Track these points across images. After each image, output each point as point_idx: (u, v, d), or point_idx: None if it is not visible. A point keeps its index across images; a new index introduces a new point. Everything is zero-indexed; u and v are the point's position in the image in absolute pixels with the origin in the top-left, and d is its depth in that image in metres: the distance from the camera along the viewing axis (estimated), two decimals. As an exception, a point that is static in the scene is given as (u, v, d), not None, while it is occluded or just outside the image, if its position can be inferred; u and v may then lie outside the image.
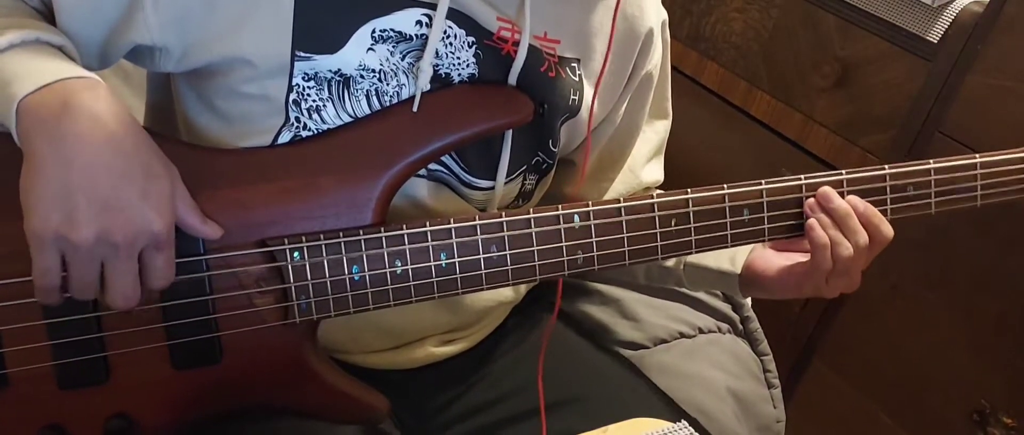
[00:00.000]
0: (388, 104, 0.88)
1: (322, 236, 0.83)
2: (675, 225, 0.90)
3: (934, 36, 1.43)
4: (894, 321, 1.59)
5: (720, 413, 1.17)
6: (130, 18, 0.82)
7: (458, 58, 0.89)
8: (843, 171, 0.93)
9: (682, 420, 0.93)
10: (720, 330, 1.30)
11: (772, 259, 0.99)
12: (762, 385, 1.28)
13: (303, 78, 0.85)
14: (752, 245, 1.01)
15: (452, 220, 0.85)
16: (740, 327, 1.33)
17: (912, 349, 1.58)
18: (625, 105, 1.05)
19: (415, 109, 0.87)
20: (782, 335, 1.60)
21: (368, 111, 0.87)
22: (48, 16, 0.83)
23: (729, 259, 1.02)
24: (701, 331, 1.28)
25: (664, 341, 1.24)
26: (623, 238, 0.89)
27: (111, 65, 0.88)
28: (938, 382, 1.55)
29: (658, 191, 1.10)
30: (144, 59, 0.87)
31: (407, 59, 0.87)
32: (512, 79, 0.90)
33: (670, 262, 1.08)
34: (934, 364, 1.55)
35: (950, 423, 1.54)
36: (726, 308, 1.33)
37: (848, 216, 0.90)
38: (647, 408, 1.00)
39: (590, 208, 0.88)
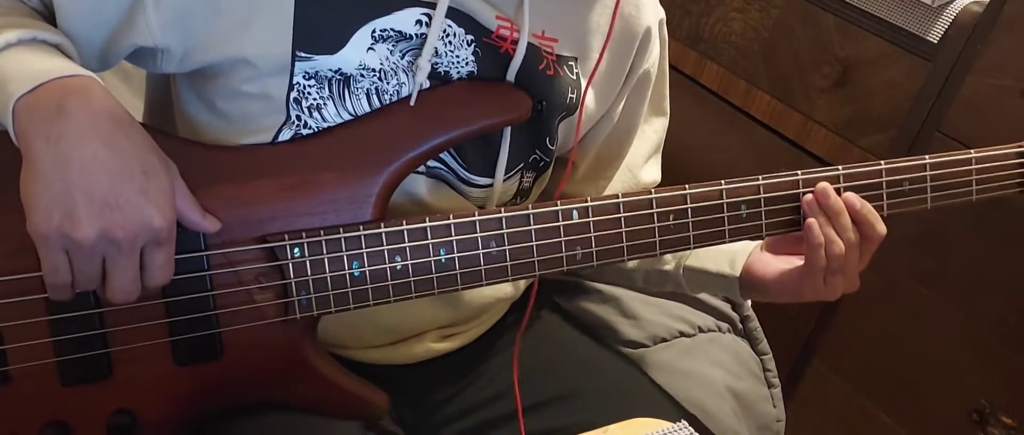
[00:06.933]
0: (388, 102, 0.88)
1: (322, 232, 0.84)
2: (673, 220, 0.91)
3: (934, 36, 1.44)
4: (893, 320, 1.59)
5: (720, 412, 1.17)
6: (131, 20, 0.82)
7: (457, 56, 0.89)
8: (840, 167, 0.93)
9: (682, 420, 0.94)
10: (720, 329, 1.30)
11: (771, 262, 0.99)
12: (762, 384, 1.28)
13: (304, 77, 0.85)
14: (751, 249, 1.02)
15: (451, 216, 0.86)
16: (740, 326, 1.33)
17: (911, 348, 1.58)
18: (623, 103, 1.05)
19: (412, 103, 0.87)
20: (782, 334, 1.59)
21: (368, 109, 0.88)
22: (48, 18, 0.84)
23: (728, 262, 1.02)
24: (701, 330, 1.28)
25: (664, 339, 1.24)
26: (621, 233, 0.90)
27: (111, 67, 0.89)
28: (937, 381, 1.55)
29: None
30: (145, 61, 0.88)
31: (407, 58, 0.88)
32: (510, 77, 0.91)
33: (669, 266, 1.08)
34: (933, 363, 1.55)
35: (949, 422, 1.54)
36: (726, 307, 1.33)
37: (841, 213, 0.91)
38: (647, 406, 1.00)
39: (589, 204, 0.89)
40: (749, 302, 1.34)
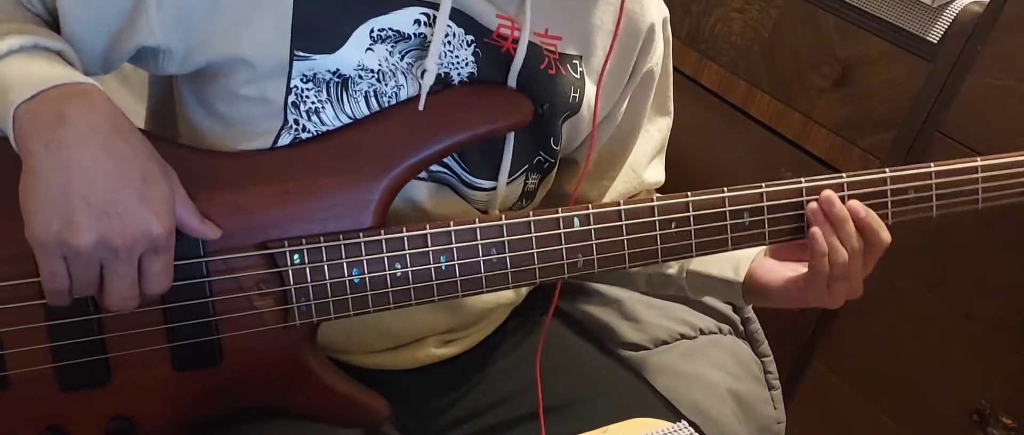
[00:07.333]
0: (386, 105, 0.88)
1: (322, 238, 0.83)
2: (675, 228, 0.90)
3: (934, 36, 1.43)
4: (894, 322, 1.59)
5: (720, 414, 1.17)
6: (133, 21, 0.82)
7: (457, 57, 0.88)
8: (844, 174, 0.92)
9: (682, 421, 0.93)
10: (721, 331, 1.30)
11: (775, 268, 0.99)
12: (762, 386, 1.28)
13: (301, 79, 0.85)
14: (755, 254, 1.02)
15: (452, 223, 0.85)
16: (741, 328, 1.33)
17: (912, 349, 1.57)
18: (627, 103, 1.04)
19: (421, 108, 0.87)
20: (782, 336, 1.59)
21: (367, 112, 0.87)
22: (51, 24, 0.83)
23: (732, 268, 1.02)
24: (702, 332, 1.28)
25: (665, 342, 1.24)
26: (623, 241, 0.89)
27: (114, 70, 0.88)
28: (938, 382, 1.55)
29: (657, 194, 1.10)
30: (147, 62, 0.87)
31: (406, 59, 0.87)
32: (512, 77, 0.90)
33: (672, 270, 1.08)
34: (934, 364, 1.55)
35: (950, 423, 1.54)
36: (726, 309, 1.33)
37: (845, 221, 0.90)
38: (647, 409, 1.00)
39: (590, 211, 0.88)
40: (749, 303, 1.34)
